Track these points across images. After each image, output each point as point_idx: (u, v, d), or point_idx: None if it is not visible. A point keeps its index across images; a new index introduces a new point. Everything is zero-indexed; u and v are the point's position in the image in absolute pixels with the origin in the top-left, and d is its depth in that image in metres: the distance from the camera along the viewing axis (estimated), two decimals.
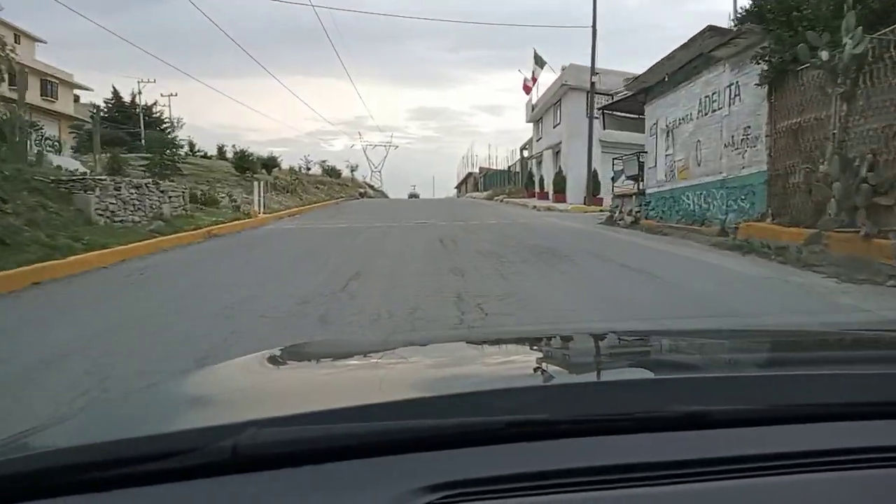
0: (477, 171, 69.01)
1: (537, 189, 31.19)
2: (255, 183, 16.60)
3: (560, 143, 27.58)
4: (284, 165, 35.94)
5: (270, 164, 26.92)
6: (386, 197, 65.80)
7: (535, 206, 25.10)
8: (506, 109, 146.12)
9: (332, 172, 43.52)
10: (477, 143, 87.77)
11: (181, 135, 40.47)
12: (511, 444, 0.62)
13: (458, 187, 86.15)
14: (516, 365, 1.08)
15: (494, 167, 66.49)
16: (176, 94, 64.69)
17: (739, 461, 0.60)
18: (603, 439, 0.63)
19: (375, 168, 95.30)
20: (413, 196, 65.30)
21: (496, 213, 21.19)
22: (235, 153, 27.98)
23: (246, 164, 22.15)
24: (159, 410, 0.85)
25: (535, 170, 33.45)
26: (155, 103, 65.74)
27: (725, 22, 12.45)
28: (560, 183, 26.54)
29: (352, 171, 52.37)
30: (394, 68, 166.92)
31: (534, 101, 32.44)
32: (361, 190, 48.55)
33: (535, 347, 1.23)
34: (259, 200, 16.52)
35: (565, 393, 0.75)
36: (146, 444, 0.63)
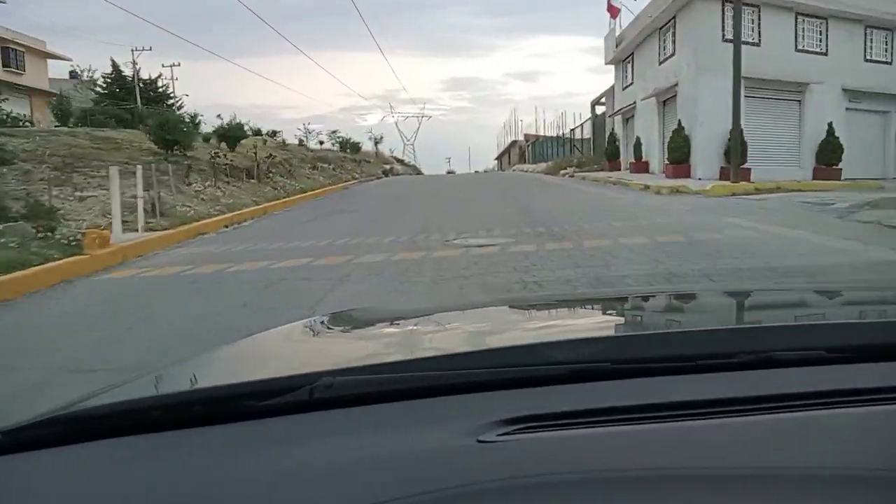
0: (522, 138, 58.97)
1: (630, 158, 21.50)
2: (111, 170, 7.47)
3: (674, 85, 17.76)
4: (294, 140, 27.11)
5: (233, 134, 17.87)
6: (419, 173, 56.66)
7: (647, 186, 15.49)
8: (540, 76, 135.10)
9: (347, 146, 34.37)
10: (516, 110, 76.96)
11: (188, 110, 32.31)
12: (576, 384, 0.64)
13: (500, 158, 76.11)
14: (577, 323, 1.08)
15: (542, 133, 56.48)
16: (179, 64, 56.15)
17: (798, 398, 0.61)
18: (667, 379, 0.64)
19: (408, 141, 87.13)
20: (450, 173, 56.29)
21: (601, 206, 11.67)
22: (221, 127, 19.01)
23: (172, 137, 13.09)
24: (231, 367, 0.92)
25: (620, 131, 23.71)
26: (159, 76, 57.51)
27: None
28: (681, 147, 16.87)
29: (376, 143, 43.21)
30: (425, 38, 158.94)
31: (618, 32, 22.54)
32: (387, 166, 39.38)
33: (591, 308, 1.24)
34: (137, 208, 7.58)
35: (628, 342, 0.76)
36: (239, 388, 0.67)
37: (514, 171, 42.38)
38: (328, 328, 1.08)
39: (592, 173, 22.96)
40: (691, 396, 0.61)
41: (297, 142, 32.05)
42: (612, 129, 24.10)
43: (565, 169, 26.03)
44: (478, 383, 0.64)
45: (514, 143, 59.68)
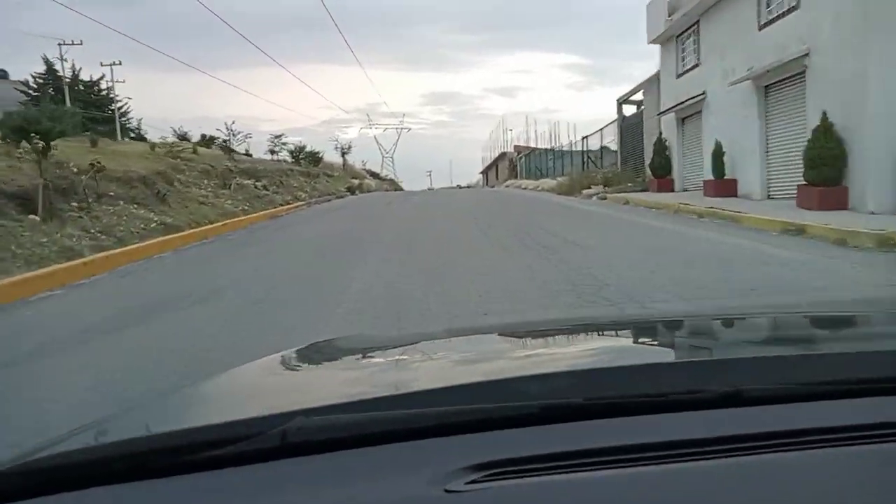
0: (512, 150, 52.01)
1: (705, 174, 14.30)
2: None
3: (800, 57, 10.60)
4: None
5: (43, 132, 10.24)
6: (398, 189, 49.29)
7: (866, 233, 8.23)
8: (519, 91, 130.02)
9: (300, 156, 26.83)
10: (504, 120, 70.06)
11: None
12: (548, 426, 0.62)
13: (485, 172, 68.96)
14: (548, 353, 1.06)
15: (535, 145, 49.53)
16: (120, 63, 48.13)
17: (771, 437, 0.59)
18: (638, 419, 0.63)
19: (386, 154, 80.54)
20: (429, 189, 49.61)
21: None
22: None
23: None
24: (208, 404, 0.85)
25: (673, 137, 16.61)
26: (102, 77, 49.58)
27: None
28: (831, 156, 9.75)
29: (343, 154, 35.77)
30: (405, 53, 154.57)
31: None
32: (356, 181, 32.01)
33: (565, 337, 1.20)
34: None
35: (599, 377, 0.73)
36: (202, 434, 0.64)
37: (506, 187, 35.21)
38: (308, 360, 1.06)
39: (634, 195, 15.82)
40: (664, 437, 0.60)
41: (242, 152, 24.79)
42: (661, 134, 16.95)
43: (588, 188, 18.87)
44: (447, 424, 0.62)
45: (502, 155, 52.62)
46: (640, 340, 1.15)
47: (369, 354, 1.10)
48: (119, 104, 49.74)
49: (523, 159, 43.08)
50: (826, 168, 9.74)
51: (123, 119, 49.73)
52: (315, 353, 1.08)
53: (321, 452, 0.60)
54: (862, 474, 0.56)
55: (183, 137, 28.70)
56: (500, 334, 1.30)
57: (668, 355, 1.00)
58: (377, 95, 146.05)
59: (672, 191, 16.32)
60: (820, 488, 0.55)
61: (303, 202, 17.73)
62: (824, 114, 9.76)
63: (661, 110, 16.66)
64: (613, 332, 1.23)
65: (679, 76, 16.06)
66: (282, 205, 15.49)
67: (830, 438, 0.59)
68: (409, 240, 8.60)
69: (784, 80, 11.39)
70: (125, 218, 9.02)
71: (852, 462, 0.57)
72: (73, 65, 41.41)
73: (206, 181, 13.47)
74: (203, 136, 30.68)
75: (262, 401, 0.82)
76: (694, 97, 14.79)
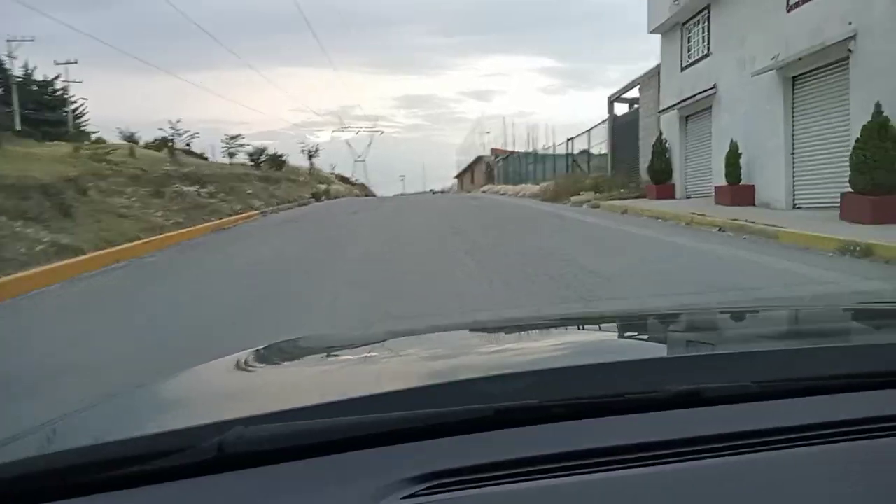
0: (489, 154, 50.23)
1: (717, 179, 12.52)
2: None
3: (842, 41, 8.92)
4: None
5: None
6: (369, 195, 47.16)
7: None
8: (494, 94, 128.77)
9: (263, 159, 24.53)
10: (481, 122, 68.34)
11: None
12: (503, 430, 0.60)
13: (460, 177, 67.10)
14: (507, 352, 1.03)
15: (512, 149, 47.83)
16: (76, 62, 45.03)
17: (733, 438, 0.58)
18: (595, 421, 0.62)
19: (358, 157, 78.36)
20: (402, 195, 47.88)
21: None
22: None
23: None
24: (145, 412, 0.82)
25: (675, 138, 14.84)
26: (57, 77, 46.55)
27: None
28: (888, 157, 8.07)
29: (310, 157, 33.49)
30: (379, 56, 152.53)
31: None
32: (322, 186, 29.86)
33: (526, 334, 1.19)
34: None
35: (555, 377, 0.71)
36: (133, 447, 0.61)
37: (483, 192, 33.36)
38: (264, 362, 0.99)
39: (630, 202, 14.03)
40: (622, 440, 0.58)
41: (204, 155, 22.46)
42: (661, 134, 15.21)
43: (577, 194, 17.06)
44: (392, 432, 0.60)
45: (478, 159, 50.80)
46: (606, 337, 1.12)
47: (330, 355, 1.06)
48: (74, 105, 46.67)
49: (501, 163, 41.32)
50: (881, 172, 8.01)
51: (80, 121, 46.71)
52: (272, 354, 1.03)
53: (260, 465, 0.58)
54: (825, 473, 0.55)
55: (129, 139, 26.21)
56: (470, 330, 1.28)
57: (626, 354, 0.90)
58: (350, 98, 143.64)
59: (673, 198, 14.60)
60: (784, 489, 0.54)
61: (257, 211, 15.56)
62: (878, 107, 8.03)
63: (662, 108, 14.93)
64: (582, 328, 1.21)
65: (684, 69, 14.36)
66: (230, 215, 13.33)
67: (792, 438, 0.58)
68: (375, 274, 6.59)
69: (819, 68, 9.68)
70: (2, 238, 6.84)
71: (815, 461, 0.56)
72: (27, 63, 38.57)
73: (134, 189, 11.25)
74: (157, 138, 28.20)
75: (203, 408, 0.79)
76: (702, 92, 13.06)
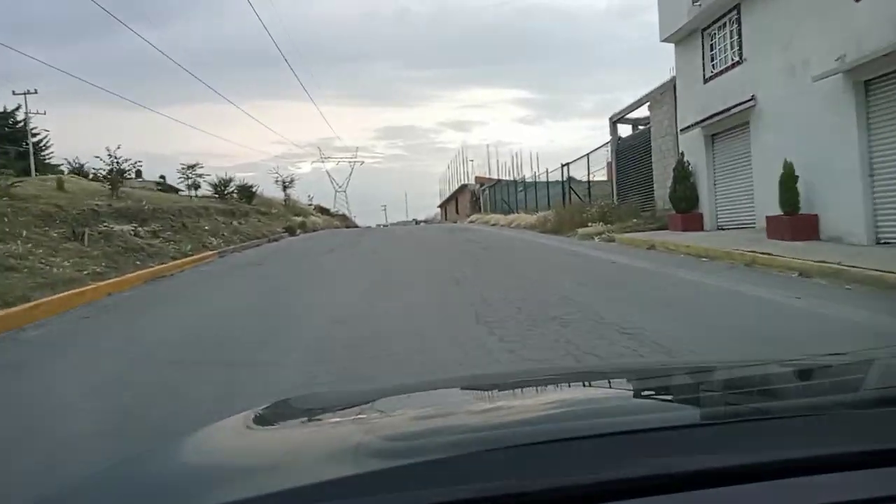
0: (473, 182, 48.34)
1: (770, 207, 10.30)
2: None
3: None
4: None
5: None
6: (350, 226, 44.87)
7: None
8: (473, 125, 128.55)
9: (230, 190, 22.14)
10: (463, 150, 66.92)
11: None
12: None
13: (444, 206, 65.18)
14: (498, 416, 0.95)
15: (498, 176, 45.97)
16: (35, 91, 42.49)
17: None
18: None
19: (339, 188, 76.48)
20: (382, 226, 45.97)
21: None
22: None
23: None
24: (127, 491, 0.79)
25: (701, 163, 12.76)
26: (17, 108, 44.01)
27: None
28: None
29: (284, 188, 31.15)
30: (358, 88, 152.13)
31: None
32: (298, 219, 27.52)
33: (516, 394, 1.12)
34: None
35: (533, 455, 0.66)
36: None
37: (471, 223, 31.25)
38: (261, 425, 0.99)
39: (651, 235, 11.93)
40: None
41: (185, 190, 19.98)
42: (682, 156, 13.17)
43: (584, 226, 14.91)
44: None
45: (463, 187, 48.84)
46: (598, 399, 1.04)
47: (315, 418, 1.05)
48: (38, 138, 43.96)
49: (487, 191, 39.36)
50: None
51: (43, 154, 43.98)
52: (270, 416, 1.03)
53: None
54: None
55: (78, 171, 23.75)
56: (462, 388, 1.27)
57: (629, 423, 0.78)
58: (330, 130, 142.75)
59: (701, 229, 12.51)
60: None
61: (213, 252, 13.16)
62: None
63: (683, 126, 12.92)
64: (588, 386, 1.16)
65: (708, 80, 12.39)
66: (174, 258, 10.92)
67: None
68: (346, 364, 4.26)
69: None
70: None
71: None
72: None
73: (42, 230, 8.82)
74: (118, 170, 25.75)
75: (190, 486, 0.77)
76: (736, 106, 11.06)
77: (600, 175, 21.48)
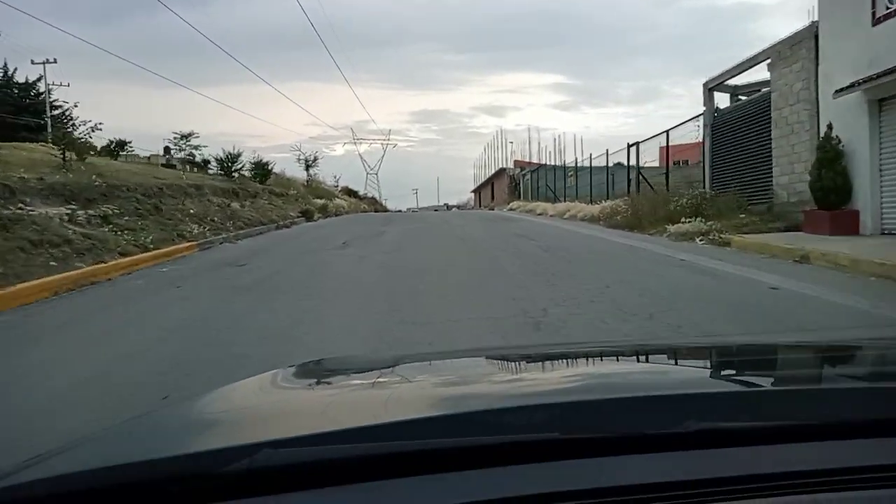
0: (512, 166, 44.64)
1: (872, 203, 6.67)
2: None
3: None
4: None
5: None
6: (378, 210, 41.78)
7: None
8: (507, 110, 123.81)
9: (232, 167, 19.03)
10: (502, 131, 62.92)
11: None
12: (522, 465, 0.59)
13: (478, 191, 61.51)
14: (527, 382, 1.01)
15: (536, 161, 42.20)
16: (55, 61, 40.13)
17: (754, 480, 0.57)
18: (614, 459, 0.60)
19: (371, 170, 73.63)
20: (412, 210, 43.13)
21: None
22: None
23: None
24: (171, 434, 0.80)
25: (861, 140, 8.99)
26: (39, 78, 41.75)
27: None
28: None
29: (307, 167, 28.08)
30: (393, 72, 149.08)
31: None
32: (320, 201, 24.47)
33: (546, 364, 1.16)
34: None
35: (575, 411, 0.70)
36: (161, 468, 0.61)
37: (510, 210, 27.72)
38: (294, 382, 1.01)
39: (786, 238, 8.36)
40: (641, 479, 0.57)
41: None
42: (829, 131, 9.42)
43: (675, 222, 11.34)
44: (421, 461, 0.60)
45: (501, 171, 45.15)
46: (621, 370, 1.10)
47: (355, 378, 1.06)
48: (59, 110, 41.86)
49: (529, 176, 35.65)
50: None
51: (67, 128, 41.94)
52: (299, 375, 1.04)
53: (289, 490, 0.57)
54: None
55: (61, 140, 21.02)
56: (482, 358, 1.27)
57: (648, 388, 0.82)
58: (365, 113, 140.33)
59: (856, 232, 8.86)
60: None
61: (194, 242, 10.03)
62: None
63: (840, 88, 9.15)
64: (599, 361, 1.18)
65: (882, 20, 8.64)
66: (126, 253, 7.77)
67: (817, 482, 0.57)
68: None
69: None
70: None
71: None
72: (6, 64, 34.13)
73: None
74: (112, 140, 22.96)
75: (231, 430, 0.78)
76: None
77: (651, 161, 17.89)
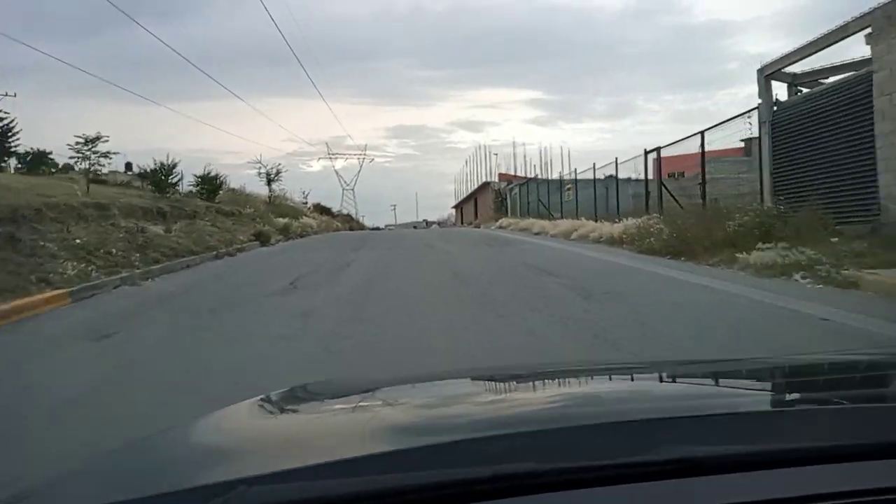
0: (497, 180, 41.64)
1: None
2: None
3: None
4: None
5: None
6: (353, 228, 38.49)
7: None
8: (485, 125, 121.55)
9: (160, 180, 15.55)
10: (486, 146, 60.30)
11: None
12: (495, 501, 0.58)
13: (460, 207, 58.38)
14: (505, 405, 0.99)
15: (522, 175, 39.30)
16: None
17: None
18: (590, 492, 0.59)
19: (347, 186, 70.43)
20: (378, 228, 40.40)
21: None
22: None
23: None
24: (147, 469, 0.79)
25: None
26: None
27: None
28: None
29: (269, 181, 24.69)
30: (370, 87, 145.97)
31: None
32: (283, 220, 21.19)
33: (527, 386, 1.13)
34: None
35: (552, 439, 0.68)
36: None
37: (501, 229, 24.64)
38: (275, 409, 0.97)
39: None
40: None
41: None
42: None
43: (750, 250, 8.29)
44: (391, 496, 0.59)
45: (485, 185, 42.12)
46: (600, 392, 1.05)
47: (328, 404, 1.04)
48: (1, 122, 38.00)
49: (516, 191, 32.66)
50: None
51: (9, 141, 37.98)
52: (288, 401, 1.02)
53: None
54: None
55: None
56: (464, 379, 1.25)
57: (625, 413, 0.81)
58: (341, 129, 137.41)
59: None
60: None
61: (63, 290, 6.68)
62: None
63: None
64: (589, 381, 1.14)
65: None
66: None
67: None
68: None
69: None
70: None
71: None
72: None
73: None
74: (29, 151, 19.51)
75: (207, 465, 0.75)
76: None
77: (636, 175, 15.06)
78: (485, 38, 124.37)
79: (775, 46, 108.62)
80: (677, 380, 1.12)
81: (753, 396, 0.97)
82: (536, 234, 18.74)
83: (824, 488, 0.56)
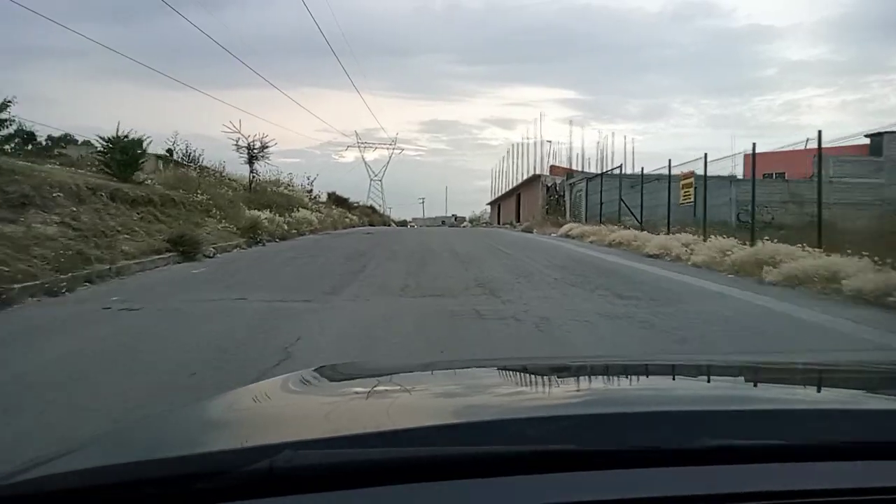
0: (547, 174, 34.04)
1: None
2: None
3: None
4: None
5: None
6: (374, 224, 31.51)
7: None
8: (517, 123, 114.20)
9: (141, 160, 8.65)
10: (487, 156, 52.54)
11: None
12: (538, 475, 0.59)
13: (498, 203, 50.70)
14: (544, 394, 1.02)
15: (580, 168, 31.67)
16: None
17: (766, 497, 0.57)
18: (630, 472, 0.60)
19: (375, 176, 63.75)
20: (403, 224, 33.77)
21: None
22: None
23: None
24: (195, 431, 0.80)
25: None
26: None
27: None
28: None
29: (250, 158, 17.64)
30: (403, 81, 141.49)
31: None
32: (255, 213, 14.05)
33: (563, 377, 1.14)
34: None
35: (593, 424, 0.70)
36: (183, 464, 0.60)
37: (562, 238, 17.24)
38: (313, 385, 0.99)
39: None
40: (658, 492, 0.56)
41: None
42: None
43: None
44: (439, 467, 0.59)
45: (534, 179, 34.39)
46: (638, 385, 1.08)
47: (370, 382, 1.04)
48: None
49: (581, 186, 25.03)
50: None
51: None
52: (319, 378, 1.02)
53: (308, 491, 0.57)
54: None
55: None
56: (499, 368, 1.25)
57: (663, 404, 0.84)
58: (375, 121, 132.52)
59: None
60: None
61: None
62: None
63: None
64: (611, 375, 1.17)
65: None
66: None
67: (826, 501, 0.56)
68: None
69: None
70: None
71: None
72: None
73: None
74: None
75: (253, 430, 0.76)
76: None
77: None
78: (520, 36, 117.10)
79: (814, 53, 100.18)
80: (712, 379, 1.12)
81: (789, 394, 0.97)
82: (654, 256, 11.24)
83: (863, 483, 0.57)
